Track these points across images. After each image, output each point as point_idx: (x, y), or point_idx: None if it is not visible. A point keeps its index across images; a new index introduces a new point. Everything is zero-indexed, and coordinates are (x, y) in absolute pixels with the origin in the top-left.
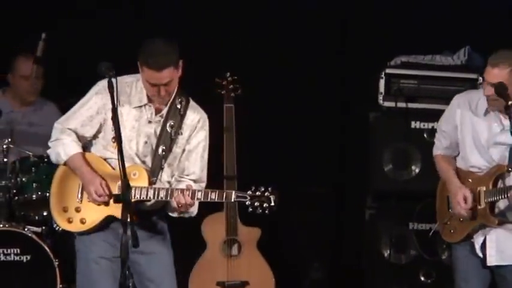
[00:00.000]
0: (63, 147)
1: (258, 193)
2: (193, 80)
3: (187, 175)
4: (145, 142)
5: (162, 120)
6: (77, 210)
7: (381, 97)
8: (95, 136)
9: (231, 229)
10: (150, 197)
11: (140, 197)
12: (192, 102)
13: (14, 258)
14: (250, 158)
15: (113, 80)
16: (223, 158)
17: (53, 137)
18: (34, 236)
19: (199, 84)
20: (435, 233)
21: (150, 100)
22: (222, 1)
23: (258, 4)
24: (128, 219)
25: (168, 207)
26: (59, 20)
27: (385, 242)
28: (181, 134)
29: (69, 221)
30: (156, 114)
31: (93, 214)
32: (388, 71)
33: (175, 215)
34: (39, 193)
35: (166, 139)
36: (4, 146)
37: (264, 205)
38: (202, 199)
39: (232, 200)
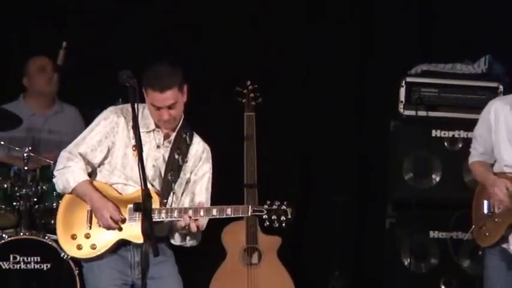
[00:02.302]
0: (72, 174)
1: (274, 206)
2: (215, 89)
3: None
4: (153, 166)
5: (170, 146)
6: (87, 236)
7: (401, 106)
8: (101, 163)
9: (251, 237)
10: (163, 218)
11: (153, 219)
12: (195, 134)
13: (34, 266)
14: (270, 166)
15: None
16: (243, 166)
17: (59, 165)
18: (54, 244)
19: (220, 93)
20: (459, 241)
21: (157, 126)
22: (242, 10)
23: (279, 13)
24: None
25: (171, 235)
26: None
27: (405, 251)
28: (187, 162)
29: (79, 248)
30: (164, 140)
31: (103, 239)
32: (408, 79)
33: (178, 242)
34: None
35: (174, 165)
36: (25, 155)
37: (281, 218)
38: (217, 215)
39: (249, 214)
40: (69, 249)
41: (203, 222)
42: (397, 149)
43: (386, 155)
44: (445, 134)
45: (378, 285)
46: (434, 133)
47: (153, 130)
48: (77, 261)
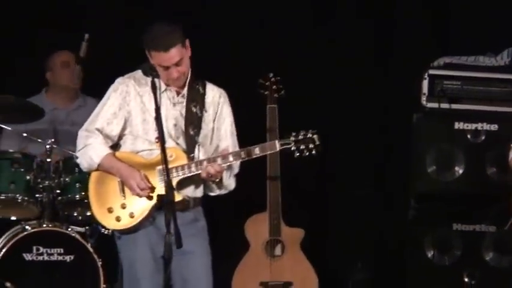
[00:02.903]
0: (93, 150)
1: (300, 136)
2: (237, 81)
3: None
4: (175, 125)
5: (184, 101)
6: (123, 206)
7: (424, 98)
8: (121, 135)
9: (274, 229)
10: (193, 171)
11: (184, 174)
12: (208, 82)
13: (57, 258)
14: (293, 159)
15: (156, 80)
16: (266, 159)
17: (80, 145)
18: (78, 236)
19: (242, 85)
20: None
21: (167, 85)
22: (265, 3)
23: (300, 6)
24: (171, 220)
25: (206, 188)
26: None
27: (428, 243)
28: (206, 111)
29: (118, 220)
30: (177, 96)
31: (140, 206)
32: (431, 72)
33: (216, 191)
34: (83, 193)
35: (194, 118)
36: (47, 146)
37: (310, 146)
38: (246, 157)
39: (277, 149)
40: (109, 223)
41: (236, 165)
42: (420, 142)
43: (409, 148)
44: (467, 126)
45: (401, 277)
46: (457, 125)
47: (165, 90)
48: (100, 253)
